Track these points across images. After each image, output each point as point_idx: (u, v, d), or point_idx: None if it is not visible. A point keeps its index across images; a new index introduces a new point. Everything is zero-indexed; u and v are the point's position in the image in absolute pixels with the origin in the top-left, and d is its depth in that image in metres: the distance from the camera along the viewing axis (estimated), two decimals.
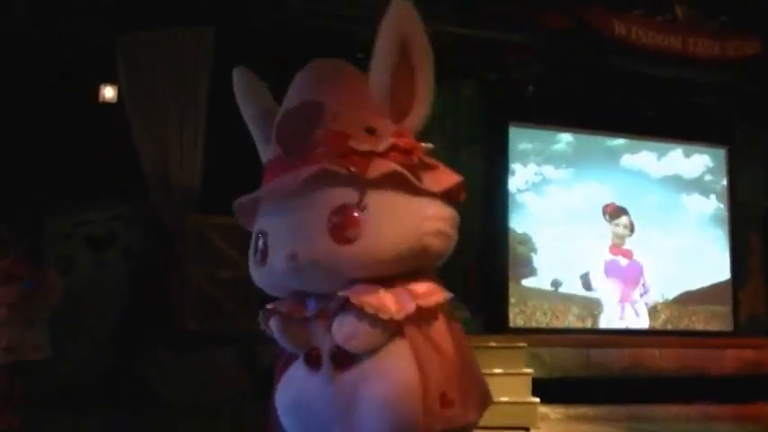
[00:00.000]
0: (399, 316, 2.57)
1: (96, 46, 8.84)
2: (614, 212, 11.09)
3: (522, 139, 10.91)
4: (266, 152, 2.96)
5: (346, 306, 2.58)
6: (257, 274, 2.86)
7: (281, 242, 2.68)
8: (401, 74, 2.75)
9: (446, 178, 2.77)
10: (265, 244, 2.76)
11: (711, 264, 11.55)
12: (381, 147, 2.64)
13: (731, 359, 10.32)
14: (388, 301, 2.59)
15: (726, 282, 11.56)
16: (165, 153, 8.94)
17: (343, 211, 2.59)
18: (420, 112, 2.79)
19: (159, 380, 8.24)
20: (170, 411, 7.77)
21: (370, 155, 2.62)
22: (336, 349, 2.60)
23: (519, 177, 10.82)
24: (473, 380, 2.80)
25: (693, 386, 9.78)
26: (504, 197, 10.61)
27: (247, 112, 3.12)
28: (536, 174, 10.90)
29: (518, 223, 10.68)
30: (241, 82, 3.13)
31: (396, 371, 2.57)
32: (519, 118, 10.84)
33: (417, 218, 2.65)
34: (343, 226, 2.57)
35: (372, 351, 2.58)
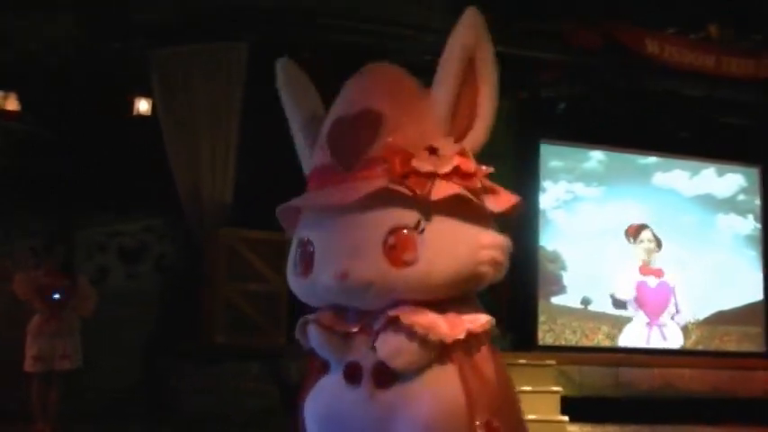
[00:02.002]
0: (449, 339, 2.52)
1: (131, 59, 8.93)
2: (635, 231, 11.00)
3: (553, 157, 10.89)
4: (310, 157, 2.85)
5: (393, 324, 2.51)
6: (297, 285, 2.74)
7: (329, 257, 2.58)
8: (465, 91, 2.65)
9: (506, 200, 2.70)
10: (310, 255, 2.65)
11: (744, 284, 11.43)
12: (445, 168, 2.54)
13: (762, 381, 10.20)
14: (439, 324, 2.52)
15: (759, 302, 11.43)
16: (198, 166, 9.00)
17: (400, 232, 2.51)
18: (481, 132, 2.68)
19: (188, 392, 8.27)
20: (198, 424, 7.80)
21: (433, 176, 2.52)
22: (379, 366, 2.53)
23: (550, 195, 10.79)
24: (517, 413, 2.74)
25: (723, 408, 9.68)
26: (535, 214, 10.57)
27: (291, 112, 2.96)
28: (567, 191, 10.87)
29: (548, 241, 10.65)
30: (286, 78, 2.98)
31: (441, 394, 2.50)
32: (550, 135, 10.82)
33: (474, 245, 2.58)
34: (400, 248, 2.50)
35: (416, 371, 2.52)
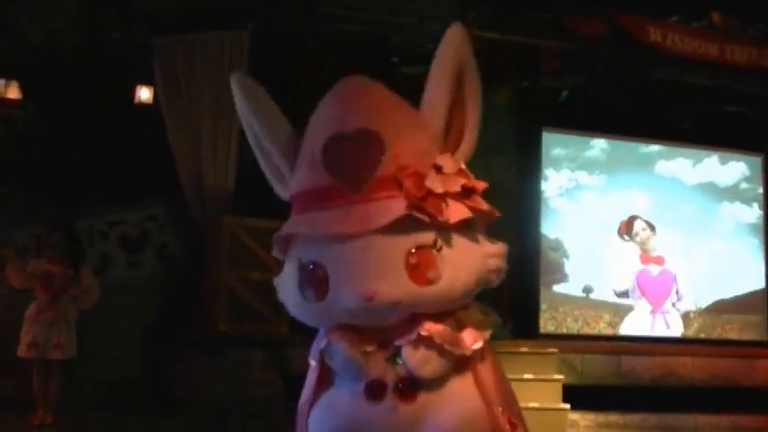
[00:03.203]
0: (469, 352, 2.62)
1: (133, 47, 8.92)
2: (627, 226, 10.94)
3: (555, 145, 10.87)
4: (291, 178, 2.83)
5: (424, 341, 2.58)
6: (304, 309, 2.73)
7: (349, 280, 2.57)
8: (455, 105, 2.71)
9: (492, 213, 2.75)
10: (323, 279, 2.62)
11: (746, 272, 11.44)
12: (454, 188, 2.61)
13: (764, 370, 10.20)
14: (461, 338, 2.63)
15: (761, 291, 11.44)
16: (200, 155, 9.00)
17: (421, 252, 2.56)
18: (471, 142, 2.74)
19: (190, 381, 8.28)
20: (201, 413, 7.81)
21: (445, 197, 2.59)
22: (403, 380, 2.58)
23: (552, 183, 10.77)
24: (518, 403, 2.83)
25: (725, 396, 9.69)
26: (537, 203, 10.57)
27: (261, 133, 2.99)
28: (569, 180, 10.85)
29: (550, 229, 10.64)
30: (249, 96, 2.97)
31: (464, 400, 2.60)
32: (552, 123, 10.80)
33: (482, 256, 2.67)
34: (423, 267, 2.56)
35: (440, 381, 2.60)
